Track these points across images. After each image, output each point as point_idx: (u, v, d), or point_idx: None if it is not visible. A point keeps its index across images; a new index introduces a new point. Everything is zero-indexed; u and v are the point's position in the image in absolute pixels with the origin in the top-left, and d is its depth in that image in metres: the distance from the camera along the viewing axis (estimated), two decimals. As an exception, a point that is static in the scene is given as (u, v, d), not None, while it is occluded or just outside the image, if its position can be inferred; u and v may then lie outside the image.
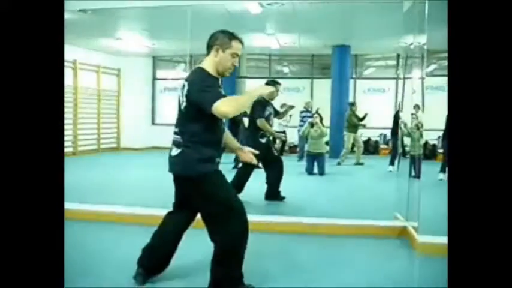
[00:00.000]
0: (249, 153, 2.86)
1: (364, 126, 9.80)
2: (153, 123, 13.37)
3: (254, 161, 2.89)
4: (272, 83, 5.31)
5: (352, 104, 9.87)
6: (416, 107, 8.41)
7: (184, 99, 2.46)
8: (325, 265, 3.30)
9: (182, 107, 2.50)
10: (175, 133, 2.58)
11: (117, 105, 12.83)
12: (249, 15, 7.63)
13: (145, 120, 13.17)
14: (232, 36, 2.55)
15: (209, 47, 2.57)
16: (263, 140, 5.31)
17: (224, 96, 2.39)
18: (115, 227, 4.15)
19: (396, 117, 8.64)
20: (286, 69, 13.91)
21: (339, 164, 9.50)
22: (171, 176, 2.69)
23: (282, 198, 5.48)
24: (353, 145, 9.86)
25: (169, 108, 12.82)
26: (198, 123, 2.47)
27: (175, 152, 2.55)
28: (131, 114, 12.78)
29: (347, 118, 9.73)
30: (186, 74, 2.71)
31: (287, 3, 7.05)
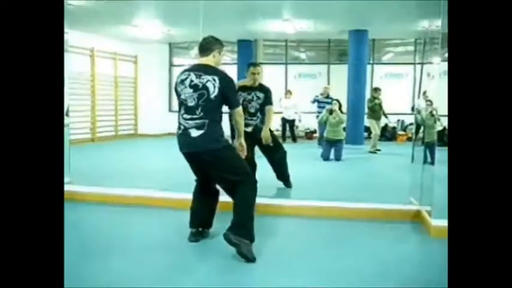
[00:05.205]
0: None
1: (383, 113, 9.55)
2: (170, 110, 13.44)
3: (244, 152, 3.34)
4: (248, 64, 5.16)
5: (374, 90, 9.64)
6: (424, 94, 8.13)
7: (217, 90, 2.99)
8: (338, 248, 3.35)
9: (212, 96, 3.00)
10: (194, 118, 3.02)
11: (135, 92, 12.95)
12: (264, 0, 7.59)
13: (162, 106, 13.24)
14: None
15: None
16: (248, 129, 4.69)
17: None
18: (139, 210, 4.27)
19: None
20: (303, 55, 13.82)
21: (378, 150, 9.24)
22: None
23: (289, 186, 5.32)
24: (370, 131, 9.77)
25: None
26: (219, 109, 3.10)
27: (196, 133, 3.01)
28: (148, 100, 12.87)
29: (367, 104, 9.57)
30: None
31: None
